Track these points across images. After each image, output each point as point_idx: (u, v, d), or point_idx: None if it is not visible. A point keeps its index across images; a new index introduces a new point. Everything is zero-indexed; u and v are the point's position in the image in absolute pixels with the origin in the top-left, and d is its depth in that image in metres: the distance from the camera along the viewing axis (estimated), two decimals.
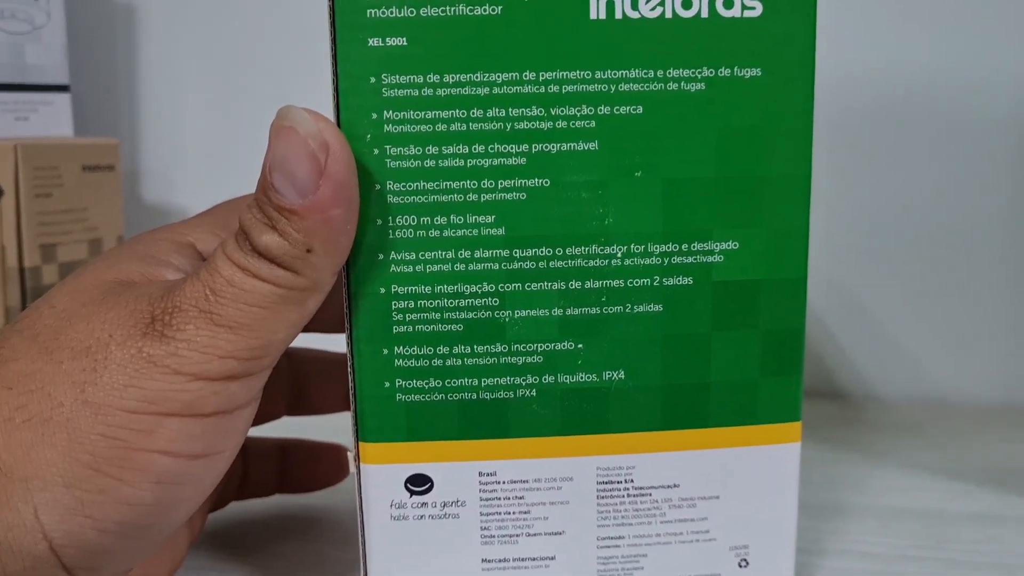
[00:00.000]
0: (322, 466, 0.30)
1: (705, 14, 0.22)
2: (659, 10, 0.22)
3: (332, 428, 0.31)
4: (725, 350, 0.23)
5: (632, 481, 0.24)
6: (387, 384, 0.23)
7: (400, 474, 0.23)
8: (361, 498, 0.23)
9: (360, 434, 0.23)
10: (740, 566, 0.24)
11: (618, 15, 0.21)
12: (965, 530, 0.30)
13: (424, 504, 0.23)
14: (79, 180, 0.44)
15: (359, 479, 0.23)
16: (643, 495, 0.24)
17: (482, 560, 0.24)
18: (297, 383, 0.29)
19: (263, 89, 0.53)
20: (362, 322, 0.22)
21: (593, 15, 0.21)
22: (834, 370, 0.49)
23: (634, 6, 0.21)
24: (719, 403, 0.23)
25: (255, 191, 0.21)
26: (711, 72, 0.22)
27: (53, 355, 0.20)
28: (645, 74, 0.22)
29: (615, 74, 0.22)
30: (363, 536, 0.24)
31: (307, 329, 0.28)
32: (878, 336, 0.48)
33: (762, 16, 0.22)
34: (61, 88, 0.46)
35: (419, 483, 0.23)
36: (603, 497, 0.24)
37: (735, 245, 0.23)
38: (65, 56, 0.46)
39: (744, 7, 0.22)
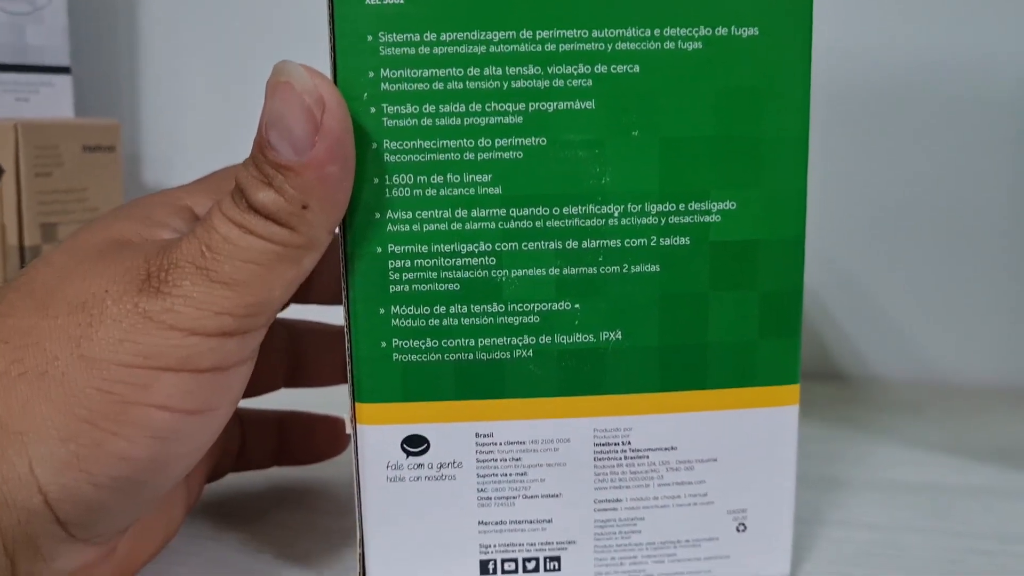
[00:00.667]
0: (320, 438, 0.30)
1: None
2: None
3: (330, 401, 0.31)
4: (723, 311, 0.23)
5: (629, 443, 0.24)
6: (383, 344, 0.23)
7: (396, 435, 0.23)
8: (357, 459, 0.23)
9: (356, 395, 0.23)
10: (738, 530, 0.24)
11: None
12: (965, 502, 0.30)
13: (420, 465, 0.23)
14: (79, 160, 0.44)
15: (355, 440, 0.23)
16: (640, 457, 0.24)
17: (479, 522, 0.24)
18: (295, 355, 0.29)
19: (264, 73, 0.51)
20: (358, 282, 0.22)
21: None
22: (834, 351, 0.49)
23: None
24: (717, 364, 0.23)
25: (251, 149, 0.21)
26: (708, 31, 0.22)
27: (49, 310, 0.21)
28: (642, 33, 0.22)
29: (612, 33, 0.22)
30: (359, 498, 0.24)
31: (305, 301, 0.28)
32: (878, 318, 0.48)
33: None
34: (62, 70, 0.46)
35: (415, 444, 0.23)
36: (600, 459, 0.24)
37: (733, 205, 0.23)
38: (66, 37, 0.46)
39: None
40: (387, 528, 0.24)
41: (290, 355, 0.29)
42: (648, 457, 0.24)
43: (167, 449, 0.21)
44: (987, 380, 0.46)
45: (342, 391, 0.30)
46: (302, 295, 0.28)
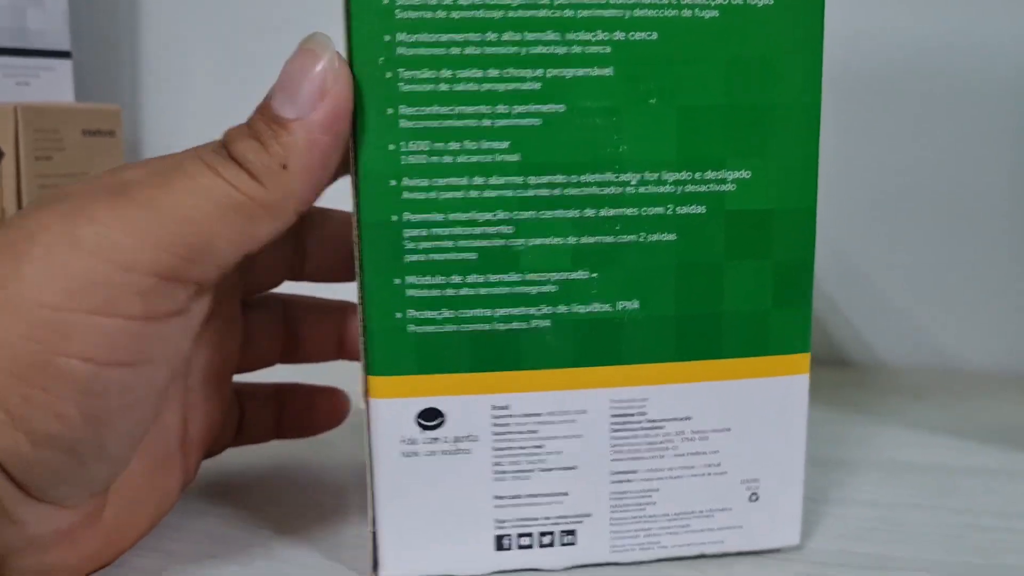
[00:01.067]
0: (319, 410, 0.30)
1: None
2: None
3: (327, 376, 0.31)
4: (738, 280, 0.23)
5: (645, 414, 0.23)
6: (398, 315, 0.22)
7: (411, 408, 0.23)
8: (369, 434, 0.23)
9: (368, 367, 0.22)
10: (751, 500, 0.24)
11: None
12: (968, 482, 0.31)
13: (435, 440, 0.23)
14: (80, 144, 0.43)
15: (368, 414, 0.23)
16: (656, 428, 0.24)
17: (494, 497, 0.23)
18: (290, 330, 0.29)
19: (266, 59, 0.51)
20: (372, 251, 0.22)
21: None
22: (837, 337, 0.49)
23: None
24: (731, 333, 0.23)
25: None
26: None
27: None
28: (659, 0, 0.22)
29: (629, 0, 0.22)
30: (371, 474, 0.23)
31: (300, 277, 0.28)
32: (881, 303, 0.48)
33: None
34: (62, 54, 0.46)
35: (430, 418, 0.23)
36: (616, 430, 0.23)
37: (748, 174, 0.23)
38: (67, 22, 0.46)
39: None
40: (400, 504, 0.23)
41: (286, 330, 0.29)
42: (664, 428, 0.24)
43: (101, 404, 0.20)
44: (990, 365, 0.46)
45: (341, 365, 0.30)
46: (298, 271, 0.28)
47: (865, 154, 0.47)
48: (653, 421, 0.24)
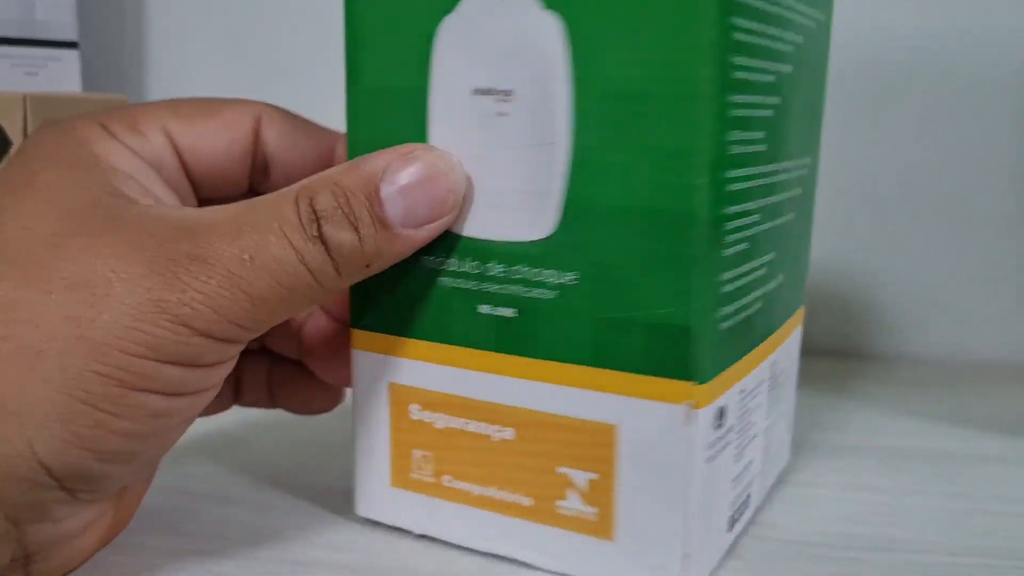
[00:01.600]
0: (311, 389, 0.28)
1: None
2: None
3: None
4: (802, 247, 0.28)
5: (778, 372, 0.27)
6: (716, 314, 0.22)
7: (715, 411, 0.22)
8: (691, 447, 0.21)
9: (698, 376, 0.21)
10: (787, 431, 0.30)
11: None
12: (970, 468, 0.31)
13: (719, 438, 0.23)
14: None
15: (690, 428, 0.21)
16: (777, 385, 0.27)
17: (732, 480, 0.24)
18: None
19: (273, 54, 0.52)
20: (705, 248, 0.21)
21: None
22: (841, 328, 0.48)
23: None
24: (799, 292, 0.28)
25: (343, 172, 0.21)
26: (816, 14, 0.27)
27: (40, 284, 0.19)
28: (806, 8, 0.25)
29: (798, 5, 0.25)
30: (685, 487, 0.22)
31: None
32: (885, 297, 0.48)
33: None
34: (70, 44, 0.46)
35: (721, 416, 0.23)
36: (769, 391, 0.26)
37: (810, 160, 0.28)
38: (75, 12, 0.46)
39: None
40: (704, 510, 0.22)
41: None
42: (778, 380, 0.27)
43: (165, 424, 0.21)
44: (994, 358, 0.47)
45: None
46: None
47: (866, 150, 0.46)
48: (774, 377, 0.27)
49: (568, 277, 0.22)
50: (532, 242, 0.22)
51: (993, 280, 0.48)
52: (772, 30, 0.22)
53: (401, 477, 0.25)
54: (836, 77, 0.46)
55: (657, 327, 0.21)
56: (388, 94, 0.23)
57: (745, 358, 0.23)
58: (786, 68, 0.24)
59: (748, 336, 0.23)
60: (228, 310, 0.20)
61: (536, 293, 0.22)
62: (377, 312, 0.24)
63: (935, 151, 0.47)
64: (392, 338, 0.24)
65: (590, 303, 0.21)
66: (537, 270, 0.22)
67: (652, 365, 0.21)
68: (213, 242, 0.20)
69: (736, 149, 0.21)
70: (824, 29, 0.27)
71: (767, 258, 0.24)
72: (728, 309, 0.22)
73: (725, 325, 0.22)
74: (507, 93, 0.22)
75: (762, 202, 0.23)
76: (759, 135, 0.22)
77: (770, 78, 0.22)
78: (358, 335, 0.25)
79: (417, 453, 0.25)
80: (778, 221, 0.25)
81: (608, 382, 0.22)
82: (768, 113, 0.23)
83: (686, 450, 0.21)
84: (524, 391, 0.23)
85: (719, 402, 0.22)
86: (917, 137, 0.47)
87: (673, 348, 0.21)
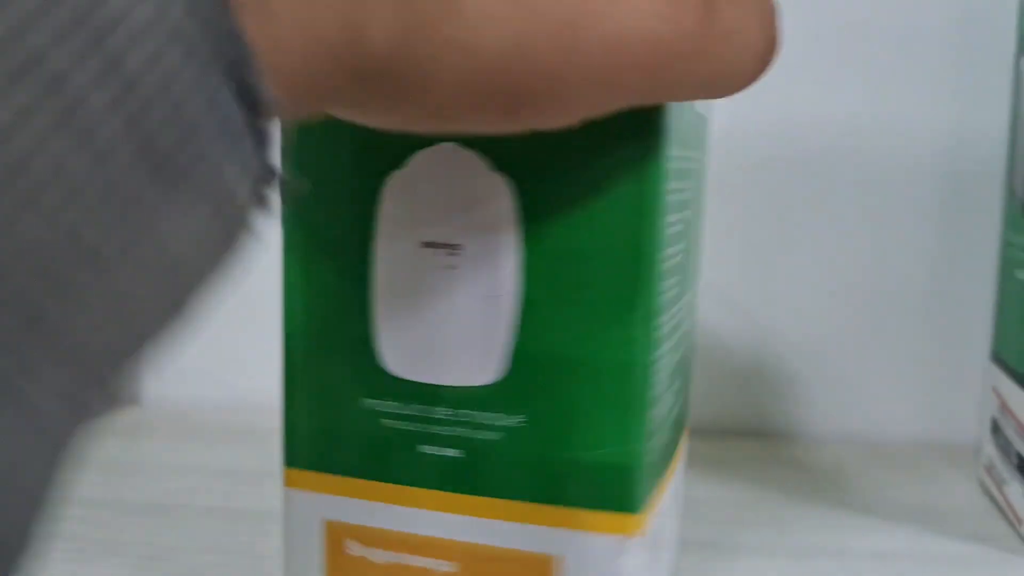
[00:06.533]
0: None
1: (701, 111, 0.29)
2: (701, 105, 0.28)
3: None
4: (684, 375, 0.31)
5: (678, 484, 0.29)
6: (648, 450, 0.24)
7: (646, 538, 0.24)
8: (626, 573, 0.23)
9: (635, 507, 0.23)
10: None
11: (699, 109, 0.28)
12: (871, 567, 0.32)
13: (651, 560, 0.25)
14: None
15: (628, 558, 0.23)
16: (676, 496, 0.30)
17: None
18: None
19: None
20: (644, 391, 0.23)
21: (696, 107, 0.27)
22: (761, 409, 0.49)
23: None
24: (686, 416, 0.31)
25: None
26: (699, 155, 0.30)
27: None
28: (694, 154, 0.28)
29: (693, 154, 0.27)
30: None
31: None
32: (803, 376, 0.49)
33: (705, 113, 0.31)
34: None
35: (653, 540, 0.25)
36: (674, 502, 0.29)
37: (693, 291, 0.31)
38: None
39: (703, 107, 0.30)
40: None
41: None
42: (676, 496, 0.30)
43: None
44: (911, 437, 0.49)
45: None
46: None
47: (780, 231, 0.48)
48: (677, 489, 0.29)
49: (515, 420, 0.23)
50: (479, 386, 0.23)
51: (905, 361, 0.50)
52: (681, 184, 0.25)
53: None
54: (750, 161, 0.49)
55: (599, 465, 0.22)
56: (331, 241, 0.24)
57: (659, 481, 0.25)
58: (687, 214, 0.26)
59: (664, 460, 0.25)
60: None
61: (482, 435, 0.23)
62: (312, 451, 0.24)
63: (848, 233, 0.49)
64: (327, 476, 0.25)
65: (536, 444, 0.23)
66: (484, 413, 0.23)
67: (594, 500, 0.23)
68: None
69: (662, 299, 0.23)
70: (703, 166, 0.29)
71: (676, 387, 0.26)
72: (654, 443, 0.24)
73: (652, 458, 0.24)
74: (455, 248, 0.23)
75: (673, 341, 0.25)
76: (674, 280, 0.24)
77: (679, 227, 0.25)
78: (291, 474, 0.25)
79: None
80: (680, 354, 0.27)
81: (551, 517, 0.23)
82: (678, 259, 0.25)
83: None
84: (467, 527, 0.24)
85: (649, 526, 0.24)
86: (830, 220, 0.49)
87: (614, 484, 0.22)
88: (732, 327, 0.51)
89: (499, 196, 0.22)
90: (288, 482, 0.25)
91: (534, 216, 0.22)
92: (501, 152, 0.22)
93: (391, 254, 0.23)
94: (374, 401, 0.24)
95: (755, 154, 0.49)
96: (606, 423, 0.22)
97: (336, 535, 0.25)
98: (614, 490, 0.22)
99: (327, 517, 0.25)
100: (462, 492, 0.23)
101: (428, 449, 0.24)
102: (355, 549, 0.25)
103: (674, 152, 0.23)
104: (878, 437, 0.50)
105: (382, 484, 0.24)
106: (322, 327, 0.24)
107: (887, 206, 0.49)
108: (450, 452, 0.23)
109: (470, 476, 0.23)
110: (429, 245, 0.23)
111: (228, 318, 0.54)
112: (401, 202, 0.23)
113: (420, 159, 0.23)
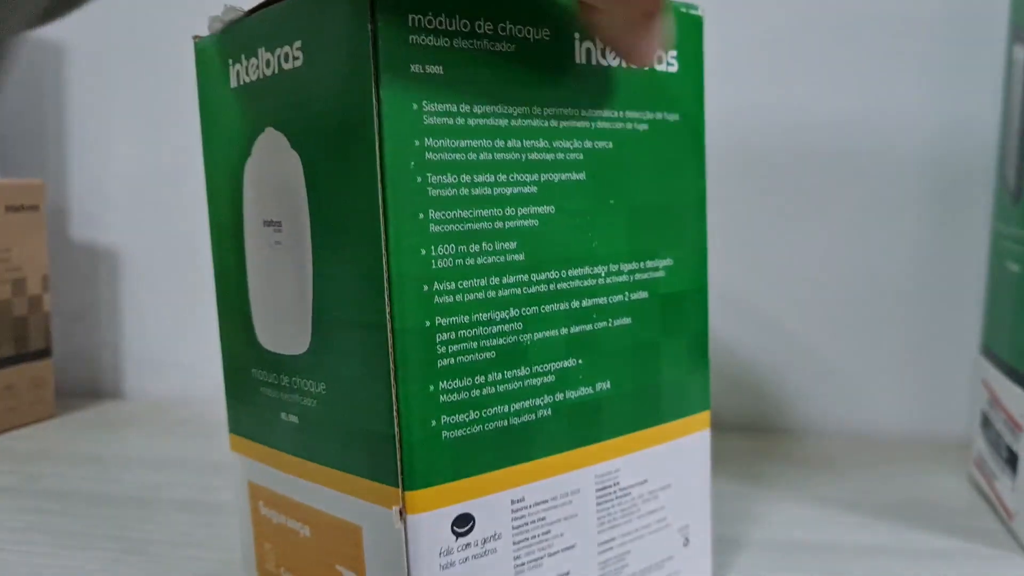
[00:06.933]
0: None
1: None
2: (618, 60, 0.25)
3: None
4: (668, 353, 0.27)
5: (618, 483, 0.26)
6: (433, 423, 0.22)
7: (447, 518, 0.22)
8: (408, 553, 0.22)
9: (407, 482, 0.22)
10: (684, 545, 0.28)
11: (593, 62, 0.24)
12: (858, 562, 0.32)
13: (468, 545, 0.23)
14: (2, 221, 0.46)
15: (405, 533, 0.22)
16: (625, 495, 0.26)
17: None
18: None
19: (189, 128, 0.57)
20: (408, 359, 0.21)
21: (577, 60, 0.24)
22: (751, 404, 0.51)
23: (603, 55, 0.25)
24: (667, 401, 0.27)
25: None
26: (652, 115, 0.26)
27: None
28: (612, 114, 0.25)
29: (593, 112, 0.25)
30: None
31: None
32: (795, 371, 0.51)
33: (679, 71, 0.27)
34: None
35: (463, 523, 0.23)
36: (600, 503, 0.25)
37: (671, 261, 0.27)
38: None
39: (668, 64, 0.26)
40: None
41: None
42: (631, 493, 0.26)
43: None
44: (899, 432, 0.50)
45: None
46: None
47: (773, 231, 0.50)
48: (624, 488, 0.26)
49: (321, 387, 0.24)
50: (300, 355, 0.24)
51: (897, 355, 0.50)
52: (522, 143, 0.23)
53: (261, 568, 0.28)
54: (739, 156, 0.50)
55: (374, 435, 0.22)
56: (227, 229, 0.27)
57: (523, 467, 0.23)
58: (571, 176, 0.24)
59: (523, 445, 0.23)
60: None
61: (307, 402, 0.24)
62: (239, 418, 0.27)
63: (839, 227, 0.50)
64: (247, 441, 0.27)
65: (336, 412, 0.23)
66: (305, 380, 0.24)
67: (374, 472, 0.22)
68: None
69: (445, 263, 0.22)
70: (668, 128, 0.26)
71: (556, 365, 0.24)
72: (459, 418, 0.22)
73: (454, 434, 0.22)
74: (279, 224, 0.24)
75: (529, 310, 0.23)
76: (508, 245, 0.23)
77: (529, 189, 0.23)
78: (231, 438, 0.28)
79: (266, 546, 0.27)
80: (588, 327, 0.24)
81: (353, 486, 0.23)
82: (529, 223, 0.23)
83: (405, 554, 0.22)
84: (311, 492, 0.25)
85: (455, 509, 0.22)
86: (821, 213, 0.50)
87: (385, 455, 0.22)
88: (721, 323, 0.51)
89: (296, 172, 0.23)
90: (231, 446, 0.28)
91: (317, 187, 0.23)
92: (296, 130, 0.23)
93: (250, 236, 0.26)
94: (256, 371, 0.26)
95: (745, 149, 0.50)
96: (374, 392, 0.22)
97: (255, 496, 0.27)
98: (386, 462, 0.22)
99: (250, 479, 0.27)
100: (303, 457, 0.25)
101: (283, 415, 0.25)
102: (263, 510, 0.27)
103: (475, 109, 0.22)
104: (869, 431, 0.51)
105: (268, 448, 0.26)
106: (226, 307, 0.27)
107: (878, 199, 0.50)
108: (294, 418, 0.25)
109: (305, 441, 0.24)
110: (267, 224, 0.25)
111: (208, 313, 0.59)
112: (251, 186, 0.25)
113: (258, 145, 0.25)
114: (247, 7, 0.25)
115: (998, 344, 0.38)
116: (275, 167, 0.24)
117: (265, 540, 0.27)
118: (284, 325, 0.24)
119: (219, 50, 0.26)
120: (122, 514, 0.38)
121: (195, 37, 0.27)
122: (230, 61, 0.25)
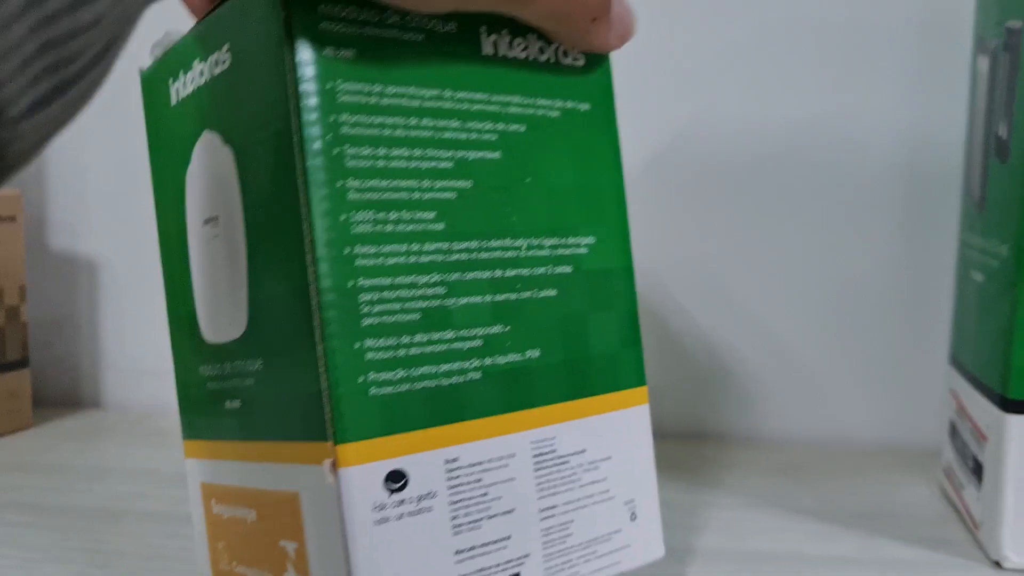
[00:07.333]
0: None
1: (553, 60, 0.28)
2: (525, 53, 0.27)
3: None
4: (598, 327, 0.28)
5: (555, 451, 0.27)
6: (361, 379, 0.23)
7: (379, 472, 0.23)
8: (342, 507, 0.22)
9: (338, 435, 0.22)
10: (631, 519, 0.28)
11: (500, 54, 0.27)
12: (819, 573, 0.32)
13: (402, 501, 0.23)
14: None
15: (338, 487, 0.22)
16: (564, 463, 0.27)
17: (455, 552, 0.24)
18: None
19: None
20: (334, 317, 0.23)
21: (484, 51, 0.26)
22: (720, 412, 0.51)
23: (509, 47, 0.27)
24: (600, 373, 0.28)
25: None
26: (562, 103, 0.28)
27: None
28: (523, 100, 0.27)
29: (504, 98, 0.26)
30: (346, 548, 0.22)
31: None
32: (765, 378, 0.51)
33: (584, 66, 0.29)
34: None
35: (396, 479, 0.23)
36: (538, 469, 0.26)
37: (593, 240, 0.28)
38: None
39: (574, 59, 0.28)
40: (380, 574, 0.23)
41: None
42: (569, 462, 0.27)
43: None
44: (868, 440, 0.50)
45: None
46: None
47: (744, 234, 0.51)
48: (562, 457, 0.27)
49: (258, 364, 0.25)
50: (236, 339, 0.25)
51: (867, 364, 0.50)
52: (436, 123, 0.24)
53: (216, 569, 0.28)
54: (711, 163, 0.51)
55: (306, 396, 0.23)
56: (172, 235, 0.28)
57: (455, 427, 0.24)
58: (487, 155, 0.26)
59: (453, 406, 0.24)
60: None
61: (247, 383, 0.25)
62: (190, 421, 0.28)
63: (810, 236, 0.51)
64: (197, 443, 0.28)
65: (272, 383, 0.24)
66: (242, 362, 0.25)
67: (308, 431, 0.23)
68: None
69: (364, 228, 0.23)
70: (579, 116, 0.28)
71: (483, 331, 0.25)
72: (386, 376, 0.23)
73: (382, 391, 0.23)
74: (216, 220, 0.26)
75: (452, 276, 0.24)
76: (427, 215, 0.24)
77: (445, 164, 0.25)
78: (186, 446, 0.29)
79: (219, 545, 0.28)
80: (512, 296, 0.26)
81: (289, 453, 0.24)
82: (447, 195, 0.25)
83: (339, 509, 0.22)
84: (252, 473, 0.25)
85: (387, 464, 0.23)
86: (792, 222, 0.51)
87: (316, 413, 0.23)
88: (692, 329, 0.52)
89: (228, 164, 0.25)
90: (185, 453, 0.29)
91: (245, 174, 0.24)
92: (227, 126, 0.25)
93: (192, 238, 0.27)
94: (203, 367, 0.27)
95: (716, 157, 0.51)
96: (301, 352, 0.23)
97: (207, 496, 0.28)
98: (314, 418, 0.23)
99: (202, 480, 0.28)
100: (244, 439, 0.25)
101: (227, 404, 0.26)
102: (215, 508, 0.28)
103: (387, 89, 0.23)
104: (839, 440, 0.51)
105: (213, 442, 0.27)
106: (174, 313, 0.29)
107: (851, 208, 0.50)
108: (236, 403, 0.26)
109: (247, 423, 0.25)
110: (206, 222, 0.26)
111: None
112: (191, 191, 0.27)
113: (196, 150, 0.27)
114: (185, 30, 0.27)
115: (964, 354, 0.38)
116: (211, 166, 0.26)
117: (218, 539, 0.28)
118: (223, 313, 0.26)
119: (160, 74, 0.28)
120: (93, 526, 0.38)
121: (141, 69, 0.29)
122: (170, 80, 0.27)
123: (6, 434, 0.55)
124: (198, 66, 0.26)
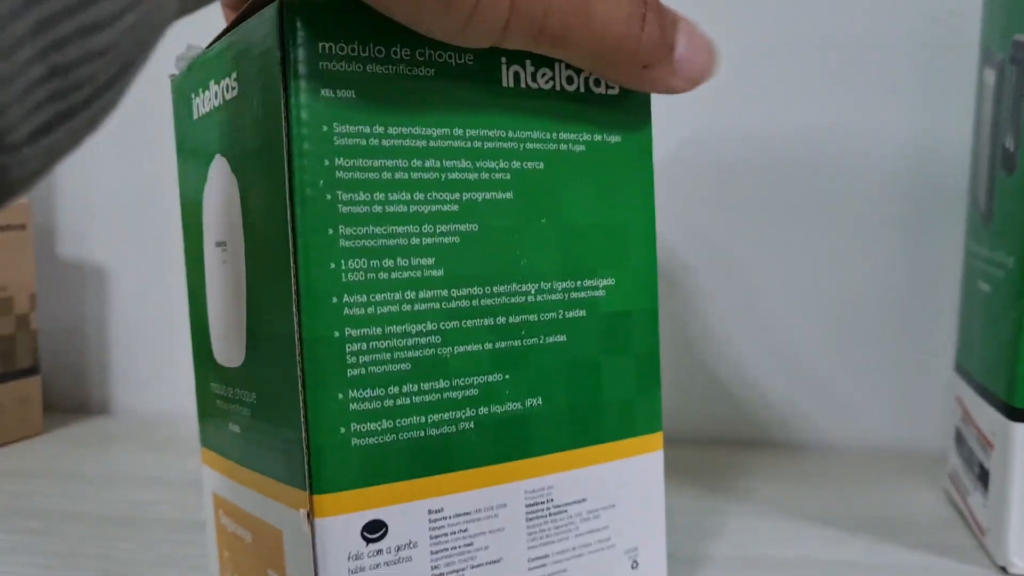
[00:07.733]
0: None
1: (582, 89, 0.26)
2: (550, 84, 0.26)
3: None
4: (611, 372, 0.27)
5: (552, 500, 0.26)
6: (342, 430, 0.23)
7: (356, 523, 0.23)
8: (315, 556, 0.22)
9: (315, 486, 0.22)
10: (632, 567, 0.28)
11: (522, 85, 0.25)
12: None
13: (379, 552, 0.23)
14: None
15: (313, 537, 0.23)
16: (561, 512, 0.26)
17: None
18: None
19: (173, 145, 0.59)
20: (316, 368, 0.22)
21: (504, 84, 0.25)
22: (728, 419, 0.52)
23: (533, 79, 0.25)
24: (610, 420, 0.27)
25: None
26: (588, 137, 0.26)
27: None
28: (543, 135, 0.26)
29: (522, 134, 0.25)
30: None
31: None
32: (772, 385, 0.52)
33: (619, 94, 0.27)
34: None
35: (374, 530, 0.23)
36: (531, 519, 0.26)
37: (612, 281, 0.27)
38: None
39: (608, 87, 0.27)
40: None
41: None
42: (567, 511, 0.26)
43: None
44: (878, 445, 0.50)
45: None
46: None
47: (757, 247, 0.51)
48: (558, 506, 0.26)
49: (253, 397, 0.25)
50: (238, 367, 0.26)
51: (874, 370, 0.51)
52: (442, 163, 0.24)
53: (223, 575, 0.29)
54: (718, 171, 0.51)
55: (289, 441, 0.23)
56: (193, 253, 0.29)
57: (442, 478, 0.24)
58: (497, 195, 0.25)
59: (441, 457, 0.24)
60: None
61: (244, 412, 0.25)
62: (205, 430, 0.29)
63: (817, 244, 0.51)
64: (211, 453, 0.29)
65: (263, 420, 0.24)
66: (242, 391, 0.25)
67: (290, 476, 0.23)
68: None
69: (356, 277, 0.23)
70: (608, 150, 0.27)
71: (480, 379, 0.24)
72: (370, 426, 0.23)
73: (365, 441, 0.23)
74: (225, 245, 0.26)
75: (449, 324, 0.24)
76: (425, 261, 0.24)
77: (450, 207, 0.24)
78: (202, 452, 0.30)
79: (225, 554, 0.28)
80: (516, 343, 0.25)
81: (276, 491, 0.24)
82: (450, 240, 0.24)
83: (312, 558, 0.23)
84: (250, 498, 0.26)
85: (365, 515, 0.23)
86: (799, 231, 0.51)
87: (297, 460, 0.23)
88: (701, 337, 0.52)
89: (235, 194, 0.25)
90: (201, 458, 0.30)
91: (247, 207, 0.24)
92: (234, 155, 0.25)
93: (207, 257, 0.27)
94: (213, 384, 0.28)
95: (723, 165, 0.51)
96: (286, 399, 0.23)
97: (217, 507, 0.29)
98: (296, 465, 0.23)
99: (213, 490, 0.29)
100: (242, 465, 0.26)
101: (231, 426, 0.27)
102: (222, 519, 0.28)
103: (389, 130, 0.23)
104: (846, 446, 0.51)
105: (221, 458, 0.28)
106: (194, 326, 0.29)
107: (857, 218, 0.51)
108: (236, 427, 0.26)
109: (245, 449, 0.26)
110: (218, 245, 0.27)
111: None
112: (206, 210, 0.27)
113: (211, 171, 0.27)
114: (206, 44, 0.27)
115: (970, 362, 0.38)
116: (222, 191, 0.26)
117: (224, 549, 0.28)
118: (228, 339, 0.26)
119: (185, 86, 0.28)
120: (106, 533, 0.39)
121: (171, 75, 0.29)
122: (192, 95, 0.27)
123: (17, 441, 0.56)
124: (214, 87, 0.26)
